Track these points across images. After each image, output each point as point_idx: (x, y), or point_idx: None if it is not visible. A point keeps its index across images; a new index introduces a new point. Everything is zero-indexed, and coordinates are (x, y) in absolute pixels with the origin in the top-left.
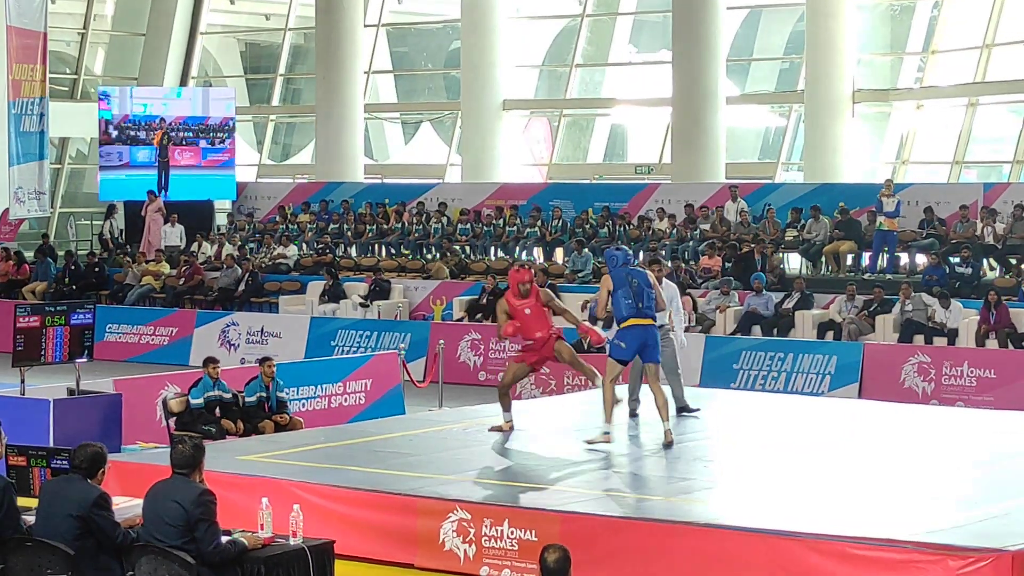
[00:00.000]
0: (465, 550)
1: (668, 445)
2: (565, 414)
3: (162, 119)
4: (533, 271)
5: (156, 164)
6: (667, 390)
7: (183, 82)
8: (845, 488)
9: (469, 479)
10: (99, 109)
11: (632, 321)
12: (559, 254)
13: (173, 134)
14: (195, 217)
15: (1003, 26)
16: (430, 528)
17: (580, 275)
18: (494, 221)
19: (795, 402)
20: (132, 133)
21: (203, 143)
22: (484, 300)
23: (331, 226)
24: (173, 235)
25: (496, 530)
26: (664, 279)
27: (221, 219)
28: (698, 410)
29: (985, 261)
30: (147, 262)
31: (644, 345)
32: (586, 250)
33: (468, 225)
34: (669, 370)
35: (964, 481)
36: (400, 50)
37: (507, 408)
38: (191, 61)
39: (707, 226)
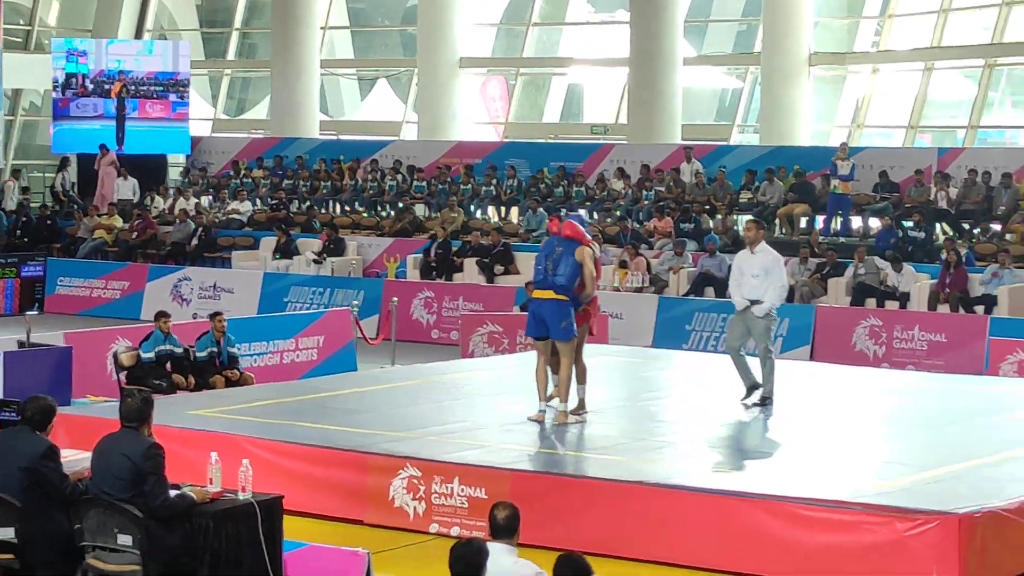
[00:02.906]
0: (415, 507)
1: (559, 425)
2: (517, 373)
3: (121, 72)
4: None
5: (115, 117)
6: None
7: (138, 35)
8: (796, 450)
9: (420, 436)
10: (65, 62)
11: (536, 293)
12: (514, 213)
13: (132, 88)
14: (148, 171)
15: None
16: (380, 485)
17: (534, 234)
18: (448, 179)
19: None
20: (89, 86)
21: (158, 96)
22: (433, 255)
23: (285, 182)
24: (126, 189)
25: (446, 487)
26: (763, 244)
27: (174, 174)
28: (767, 403)
29: (938, 226)
30: (99, 216)
31: (539, 319)
32: (541, 209)
33: (424, 183)
34: (760, 350)
35: (913, 444)
36: (357, 6)
37: (582, 381)
38: (146, 14)
39: (662, 187)
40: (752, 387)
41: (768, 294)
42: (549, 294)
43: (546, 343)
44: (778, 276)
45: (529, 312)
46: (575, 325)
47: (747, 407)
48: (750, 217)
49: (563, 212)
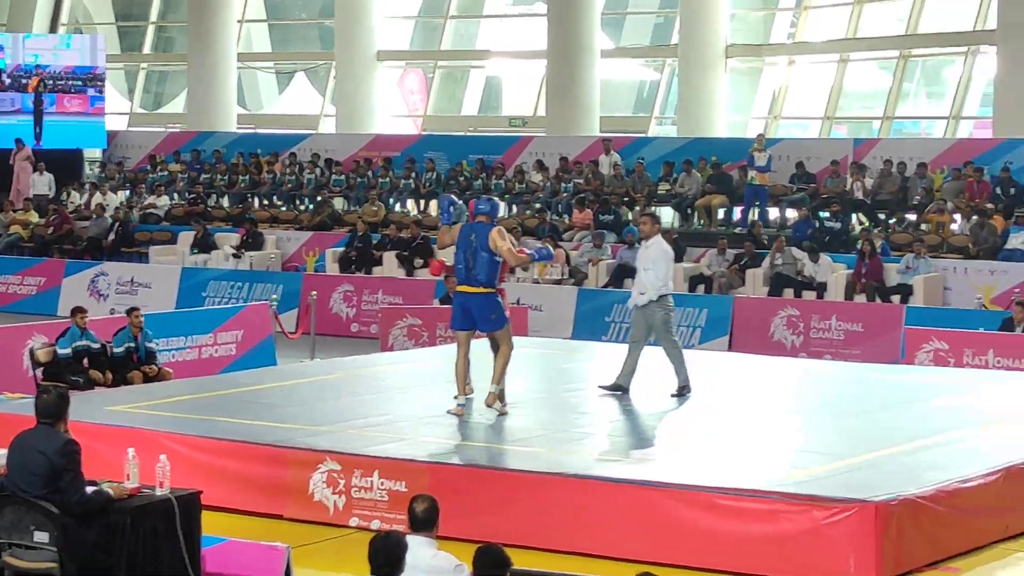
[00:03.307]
0: (335, 501)
1: (488, 406)
2: (437, 365)
3: (38, 66)
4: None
5: (32, 111)
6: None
7: (52, 28)
8: (713, 440)
9: (340, 430)
10: None
11: (460, 287)
12: (433, 206)
13: (50, 82)
14: (64, 166)
15: None
16: (300, 479)
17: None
18: (367, 172)
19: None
20: (6, 81)
21: (76, 91)
22: (354, 249)
23: (203, 176)
24: (42, 184)
25: (366, 481)
26: (657, 238)
27: (91, 168)
28: (685, 393)
29: (854, 216)
30: (15, 211)
31: (468, 313)
32: (460, 202)
33: (343, 176)
34: (662, 343)
35: (830, 433)
36: None
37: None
38: (61, 7)
39: (581, 179)
40: (617, 387)
41: (647, 285)
42: (475, 289)
43: (468, 335)
44: (660, 268)
45: (455, 304)
46: (506, 311)
47: (673, 396)
48: (646, 211)
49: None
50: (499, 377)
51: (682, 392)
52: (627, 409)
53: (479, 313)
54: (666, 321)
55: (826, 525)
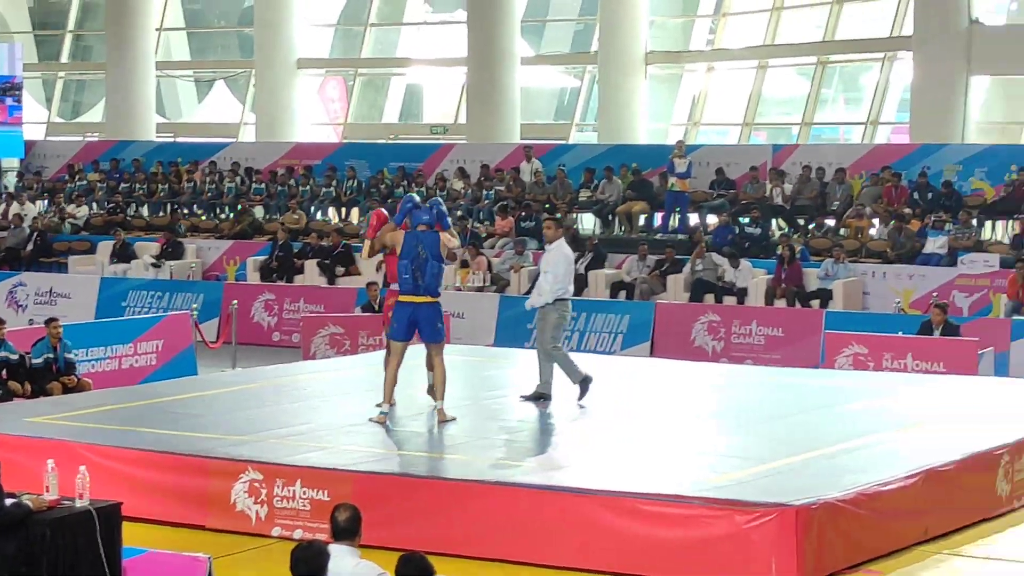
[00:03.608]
0: (257, 511)
1: (442, 423)
2: (359, 374)
3: None
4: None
5: None
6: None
7: None
8: (635, 445)
9: (262, 440)
10: None
11: (405, 297)
12: (355, 214)
13: None
14: None
15: None
16: (221, 489)
17: None
18: (288, 181)
19: (588, 360)
20: None
21: None
22: (275, 258)
23: (122, 185)
24: None
25: (288, 490)
26: (559, 241)
27: (8, 178)
28: (547, 400)
29: (774, 222)
30: None
31: (414, 323)
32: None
33: (263, 185)
34: (542, 349)
35: (751, 437)
36: (193, 7)
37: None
38: None
39: (502, 187)
40: (584, 381)
41: (544, 288)
42: (423, 299)
43: (405, 346)
44: (558, 271)
45: (399, 315)
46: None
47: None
48: (550, 216)
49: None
50: (441, 392)
51: (539, 398)
52: (549, 416)
53: (427, 322)
54: (557, 325)
55: (748, 529)
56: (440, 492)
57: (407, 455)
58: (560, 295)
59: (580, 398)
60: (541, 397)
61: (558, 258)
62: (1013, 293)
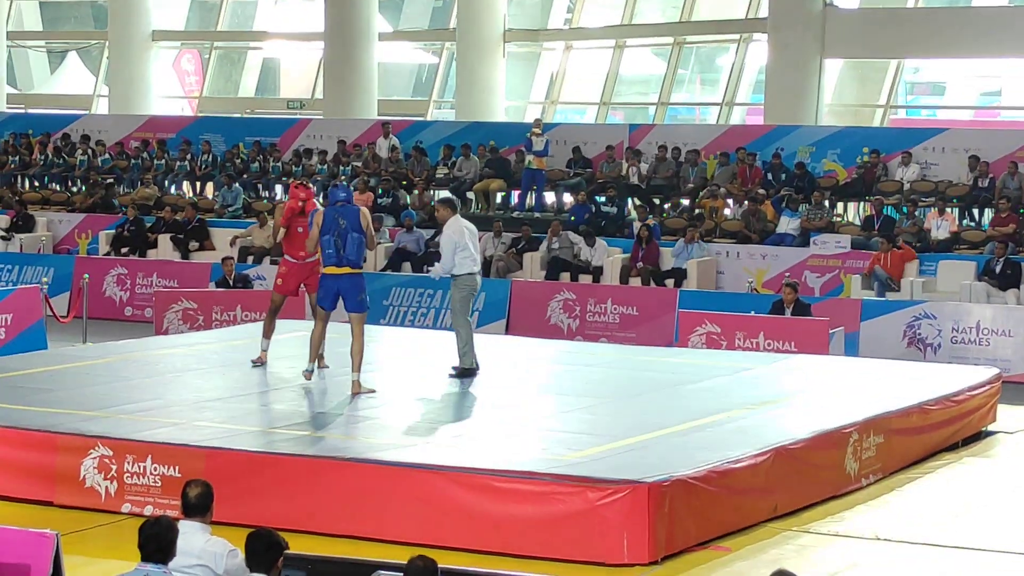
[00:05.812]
0: (107, 487)
1: (356, 394)
2: (212, 349)
3: None
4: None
5: None
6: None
7: None
8: (489, 422)
9: (112, 415)
10: None
11: (329, 269)
12: (210, 188)
13: None
14: None
15: None
16: (70, 465)
17: (230, 210)
18: (142, 154)
19: (444, 338)
20: None
21: None
22: (128, 231)
23: None
24: None
25: (139, 466)
26: (450, 220)
27: None
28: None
29: (630, 201)
30: None
31: (338, 294)
32: (236, 184)
33: (114, 157)
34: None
35: (604, 415)
36: None
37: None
38: None
39: (359, 162)
40: (468, 370)
41: (437, 268)
42: (345, 270)
43: (329, 314)
44: (446, 251)
45: (324, 286)
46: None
47: (453, 376)
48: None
49: (301, 182)
50: (359, 364)
51: (464, 374)
52: (405, 392)
53: (350, 293)
54: (462, 300)
55: (600, 506)
56: (292, 468)
57: (260, 431)
58: (459, 271)
59: (452, 375)
60: (467, 372)
61: (444, 239)
62: (884, 266)
